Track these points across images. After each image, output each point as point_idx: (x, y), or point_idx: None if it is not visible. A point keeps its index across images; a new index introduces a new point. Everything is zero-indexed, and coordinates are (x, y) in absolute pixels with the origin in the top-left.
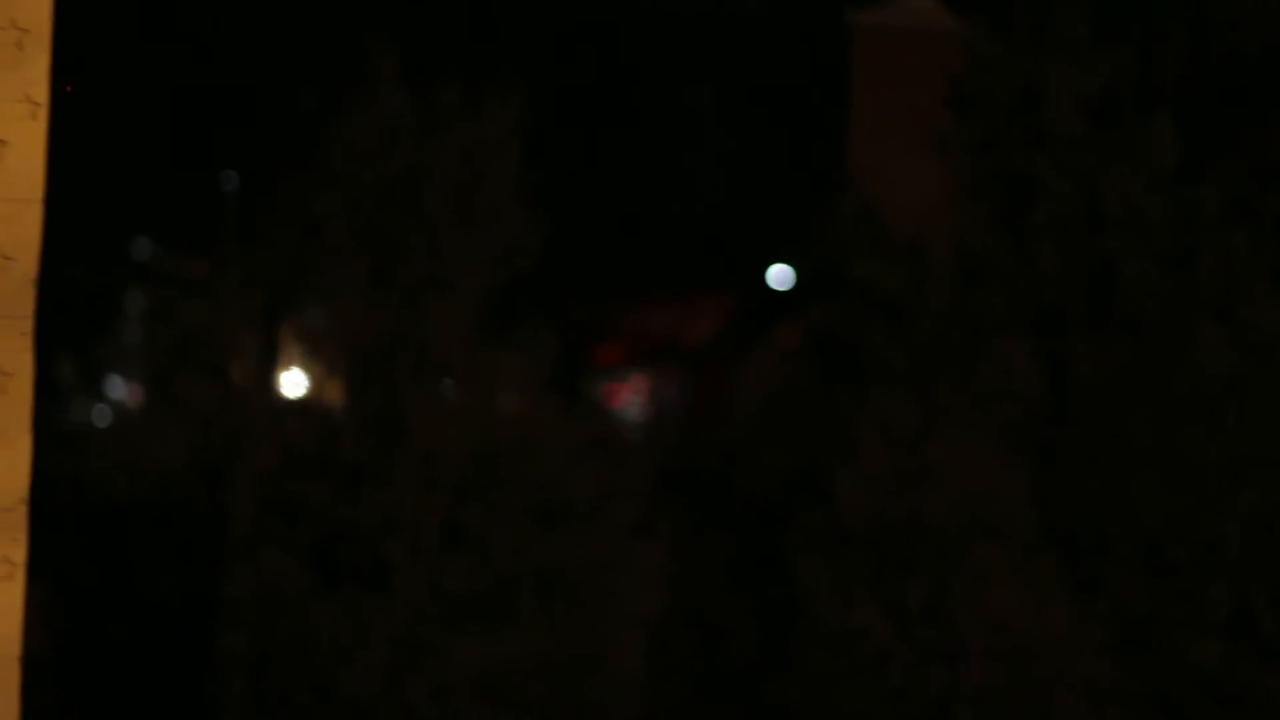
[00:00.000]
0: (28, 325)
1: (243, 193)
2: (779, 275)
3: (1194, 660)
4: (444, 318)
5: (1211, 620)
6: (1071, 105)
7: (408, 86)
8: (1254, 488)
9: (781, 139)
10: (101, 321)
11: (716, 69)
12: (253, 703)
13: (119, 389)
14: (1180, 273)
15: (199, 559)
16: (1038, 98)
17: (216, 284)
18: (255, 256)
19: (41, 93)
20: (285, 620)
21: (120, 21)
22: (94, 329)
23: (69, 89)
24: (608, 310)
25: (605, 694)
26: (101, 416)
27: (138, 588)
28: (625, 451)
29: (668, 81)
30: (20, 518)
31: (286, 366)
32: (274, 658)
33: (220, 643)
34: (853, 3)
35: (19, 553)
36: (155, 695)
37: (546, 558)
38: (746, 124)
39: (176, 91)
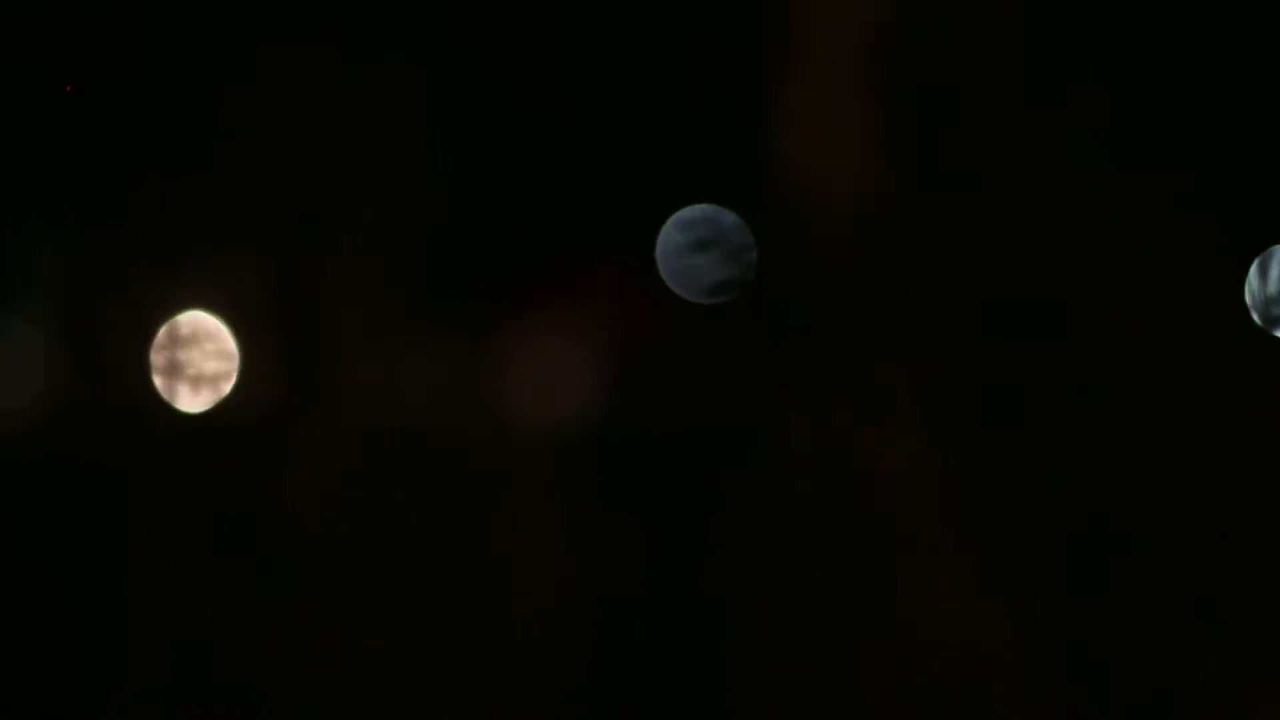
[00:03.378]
0: None
1: (143, 161)
2: None
3: (1113, 638)
4: (353, 289)
5: (1127, 595)
6: (977, 65)
7: (318, 54)
8: (1164, 460)
9: (705, 100)
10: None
11: (637, 35)
12: (140, 689)
13: None
14: (1089, 237)
15: (70, 528)
16: (942, 56)
17: (116, 256)
18: (158, 228)
19: None
20: (176, 599)
21: None
22: None
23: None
24: (527, 280)
25: (520, 663)
26: None
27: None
28: (540, 424)
29: (586, 44)
30: None
31: (174, 329)
32: (161, 637)
33: (92, 613)
34: None
35: None
36: (23, 671)
37: (449, 533)
38: (668, 86)
39: (81, 61)
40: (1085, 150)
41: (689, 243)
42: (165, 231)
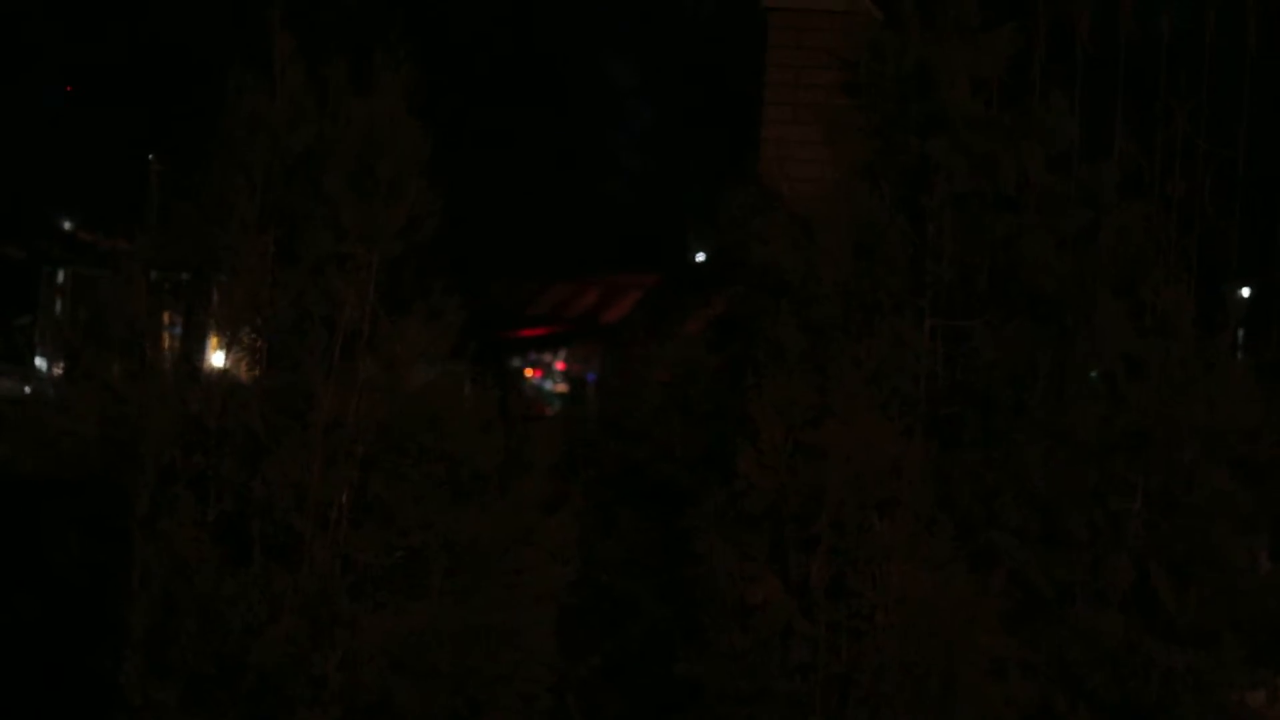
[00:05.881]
0: None
1: (153, 171)
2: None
3: (1095, 634)
4: (348, 291)
5: (1112, 594)
6: (967, 86)
7: (310, 62)
8: (1152, 464)
9: (699, 117)
10: (28, 298)
11: (630, 46)
12: (155, 676)
13: (46, 364)
14: (1079, 251)
15: (105, 533)
16: (932, 79)
17: (126, 261)
18: (165, 233)
19: None
20: (191, 593)
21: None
22: (20, 306)
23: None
24: (522, 286)
25: (514, 667)
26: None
27: (42, 562)
28: (535, 426)
29: (581, 58)
30: None
31: (195, 342)
32: (180, 631)
33: (124, 617)
34: None
35: None
36: (57, 669)
37: (455, 530)
38: (663, 101)
39: (88, 73)
40: (1055, 170)
41: None
42: (175, 240)
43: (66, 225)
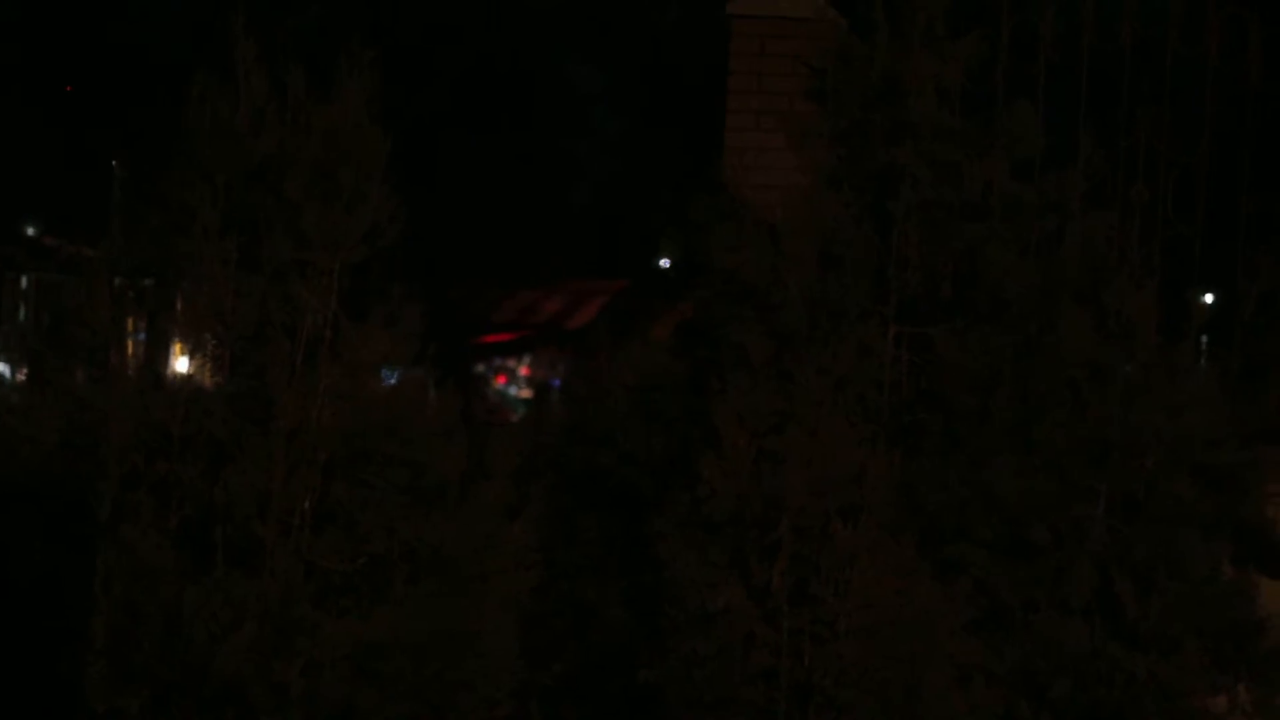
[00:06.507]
0: None
1: (117, 176)
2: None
3: (1058, 641)
4: (310, 297)
5: (1075, 602)
6: (933, 94)
7: (273, 69)
8: (1115, 471)
9: (664, 123)
10: None
11: (595, 52)
12: (119, 684)
13: (9, 370)
14: (1044, 258)
15: (67, 540)
16: (899, 87)
17: (90, 267)
18: (128, 239)
19: None
20: (154, 600)
21: None
22: None
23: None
24: (487, 291)
25: (477, 673)
26: None
27: (3, 568)
28: (498, 432)
29: (546, 64)
30: None
31: (159, 348)
32: (142, 638)
33: (87, 624)
34: None
35: None
36: (19, 676)
37: (418, 537)
38: (626, 107)
39: (51, 77)
40: (1020, 176)
41: None
42: (138, 247)
43: (30, 231)
